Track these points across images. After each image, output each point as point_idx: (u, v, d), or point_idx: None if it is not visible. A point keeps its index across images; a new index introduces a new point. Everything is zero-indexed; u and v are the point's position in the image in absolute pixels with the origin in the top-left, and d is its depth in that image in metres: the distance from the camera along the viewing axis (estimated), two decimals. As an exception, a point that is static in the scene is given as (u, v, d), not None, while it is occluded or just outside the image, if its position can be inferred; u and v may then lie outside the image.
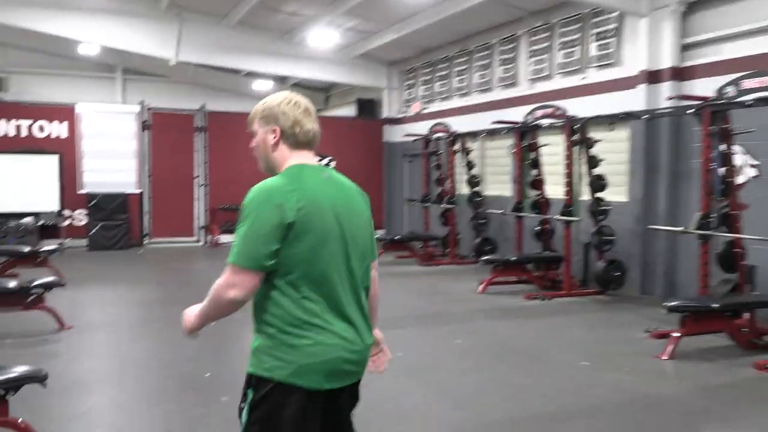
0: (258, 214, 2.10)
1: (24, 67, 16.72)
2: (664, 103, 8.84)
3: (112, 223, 13.95)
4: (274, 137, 2.29)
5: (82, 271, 11.26)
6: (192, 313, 2.35)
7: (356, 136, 16.48)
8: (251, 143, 2.37)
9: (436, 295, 9.20)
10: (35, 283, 6.74)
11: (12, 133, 13.70)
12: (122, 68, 17.98)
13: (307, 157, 2.32)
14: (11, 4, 13.11)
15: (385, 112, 16.61)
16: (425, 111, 15.16)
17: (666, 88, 8.91)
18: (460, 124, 12.95)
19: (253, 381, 2.20)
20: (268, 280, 2.16)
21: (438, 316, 7.73)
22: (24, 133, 13.79)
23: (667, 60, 8.99)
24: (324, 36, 14.02)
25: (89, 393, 5.12)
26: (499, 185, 12.51)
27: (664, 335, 6.49)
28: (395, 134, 16.43)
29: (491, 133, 11.74)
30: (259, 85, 18.90)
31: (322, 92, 20.32)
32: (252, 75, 18.74)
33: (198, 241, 15.17)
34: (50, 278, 7.01)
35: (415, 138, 13.32)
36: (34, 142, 13.79)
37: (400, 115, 16.35)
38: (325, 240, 2.18)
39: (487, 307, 8.38)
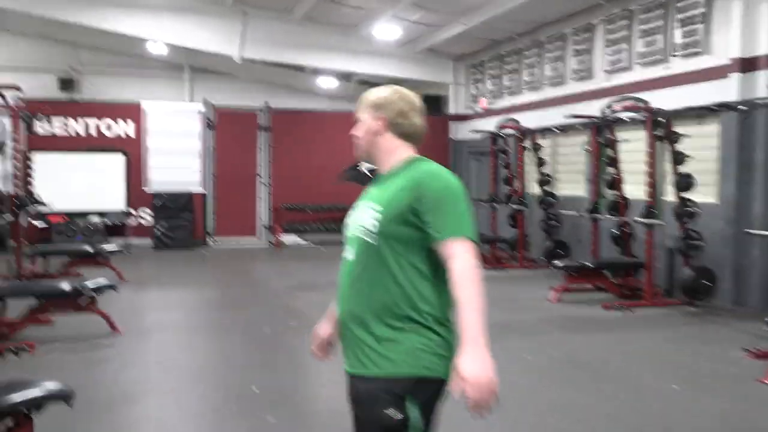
0: (463, 193, 2.11)
1: (96, 68, 16.94)
2: (760, 93, 7.96)
3: (177, 223, 13.96)
4: (380, 125, 2.26)
5: (144, 271, 11.22)
6: (477, 350, 1.96)
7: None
8: (354, 129, 2.35)
9: (503, 302, 8.61)
10: (88, 285, 6.57)
11: (81, 132, 13.87)
12: (189, 67, 18.03)
13: (415, 152, 2.30)
14: (81, 4, 13.30)
15: (452, 109, 16.04)
16: (493, 107, 14.51)
17: (763, 77, 8.02)
18: (530, 120, 12.26)
19: (409, 384, 1.98)
20: (423, 264, 2.07)
21: (506, 327, 7.16)
22: (92, 131, 13.96)
23: (764, 46, 8.10)
24: (388, 30, 13.60)
25: (132, 404, 4.84)
26: (572, 185, 11.75)
27: (767, 355, 5.73)
28: (461, 131, 15.85)
29: (564, 129, 11.02)
30: (323, 83, 18.66)
31: (387, 89, 19.89)
32: (316, 72, 18.56)
33: (261, 241, 15.01)
34: (103, 280, 6.84)
35: (483, 135, 12.71)
36: (101, 141, 13.94)
37: (467, 112, 15.75)
38: None
39: (561, 318, 7.74)
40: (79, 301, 6.53)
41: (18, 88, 7.18)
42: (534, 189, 11.90)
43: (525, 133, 11.66)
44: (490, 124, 13.62)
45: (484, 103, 14.72)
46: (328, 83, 18.57)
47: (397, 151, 2.27)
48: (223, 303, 8.58)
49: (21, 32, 16.18)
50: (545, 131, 11.52)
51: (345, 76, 19.09)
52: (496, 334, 6.95)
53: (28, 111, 11.05)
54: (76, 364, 5.63)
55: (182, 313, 7.89)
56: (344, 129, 14.81)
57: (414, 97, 2.32)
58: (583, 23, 11.55)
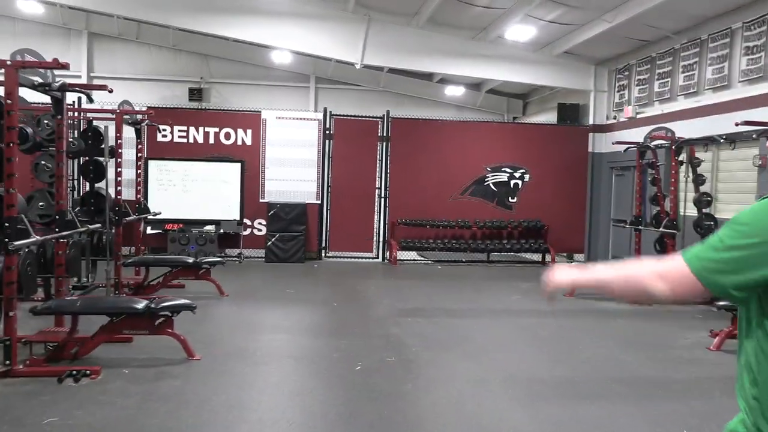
0: (755, 228, 1.47)
1: (224, 78, 17.12)
2: None
3: (290, 235, 13.40)
4: None
5: (248, 284, 10.65)
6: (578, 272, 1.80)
7: (556, 146, 14.49)
8: None
9: (649, 348, 7.06)
10: (164, 304, 5.89)
11: (200, 140, 13.71)
12: (315, 77, 17.76)
13: None
14: (210, 14, 13.23)
15: (591, 118, 14.39)
16: (640, 116, 12.76)
17: None
18: (684, 130, 10.48)
19: None
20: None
21: (654, 385, 5.67)
22: (211, 140, 13.75)
23: None
24: (521, 31, 12.32)
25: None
26: (737, 206, 9.83)
27: None
28: (602, 143, 14.18)
29: (731, 139, 9.19)
30: (451, 92, 17.65)
31: (519, 99, 18.54)
32: (443, 81, 17.58)
33: (377, 257, 14.14)
34: (181, 301, 6.13)
35: (628, 147, 11.07)
36: (220, 149, 13.69)
37: (609, 121, 14.05)
38: None
39: (726, 375, 6.09)
40: (153, 321, 5.85)
41: (110, 90, 6.69)
42: (688, 210, 10.10)
43: (681, 144, 9.88)
44: (636, 135, 11.93)
45: (629, 111, 13.00)
46: (455, 92, 17.55)
47: None
48: (320, 327, 7.70)
49: (157, 45, 16.65)
50: (706, 142, 9.70)
51: (474, 86, 17.99)
52: (643, 396, 5.45)
53: (148, 119, 10.96)
54: (131, 400, 4.89)
55: (270, 338, 7.06)
56: (471, 138, 13.68)
57: None
58: (756, 17, 9.69)
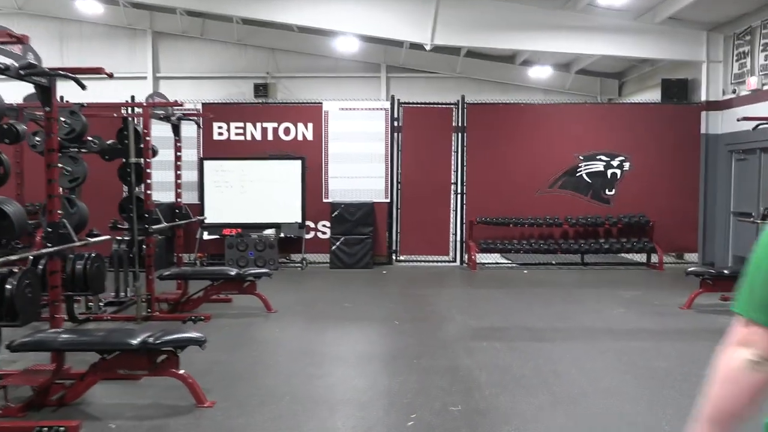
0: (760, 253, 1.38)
1: (291, 72, 16.19)
2: None
3: (356, 237, 12.09)
4: None
5: (305, 296, 9.42)
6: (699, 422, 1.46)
7: (662, 128, 12.45)
8: None
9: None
10: (165, 339, 4.65)
11: (258, 136, 12.64)
12: (386, 66, 16.47)
13: None
14: (268, 0, 12.25)
15: (704, 94, 12.25)
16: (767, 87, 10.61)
17: None
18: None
19: None
20: None
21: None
22: (269, 136, 12.64)
23: None
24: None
25: None
26: None
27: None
28: (719, 123, 12.04)
29: None
30: (536, 74, 15.86)
31: (614, 78, 16.49)
32: (527, 63, 15.82)
33: (453, 260, 12.61)
34: (187, 334, 4.87)
35: (759, 123, 9.04)
36: (279, 146, 12.57)
37: (727, 96, 11.89)
38: None
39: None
40: (153, 359, 4.65)
41: (110, 75, 5.55)
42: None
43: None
44: (764, 111, 9.85)
45: (753, 83, 10.85)
46: (540, 74, 15.76)
47: None
48: (372, 356, 6.30)
49: (222, 41, 15.96)
50: None
51: (562, 66, 16.13)
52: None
53: (197, 114, 9.96)
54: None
55: (307, 374, 5.68)
56: (559, 123, 11.70)
57: None
58: None
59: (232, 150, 12.47)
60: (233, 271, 8.05)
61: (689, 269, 8.56)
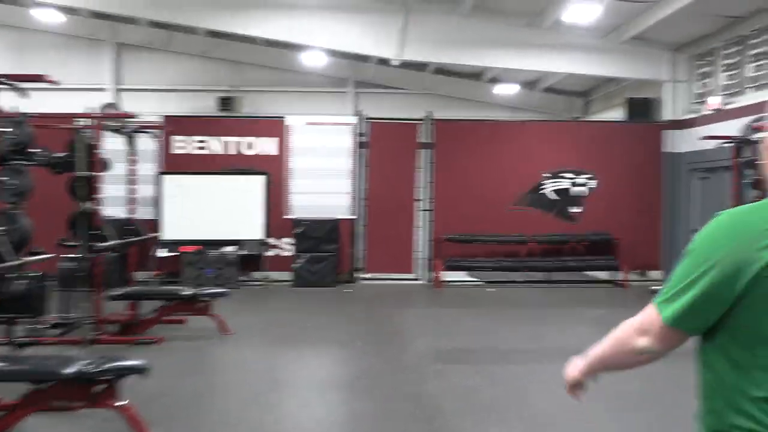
0: (704, 252, 1.49)
1: (257, 86, 15.86)
2: None
3: (320, 255, 11.79)
4: None
5: (264, 316, 9.09)
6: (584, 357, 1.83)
7: (626, 146, 12.47)
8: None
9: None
10: (104, 367, 4.30)
11: (219, 150, 12.31)
12: (354, 81, 16.28)
13: None
14: (233, 11, 12.01)
15: (667, 113, 12.32)
16: (729, 107, 10.68)
17: None
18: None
19: None
20: (718, 357, 1.52)
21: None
22: (231, 150, 12.32)
23: None
24: (583, 11, 10.39)
25: None
26: None
27: None
28: (681, 141, 12.10)
29: None
30: (503, 91, 15.82)
31: (580, 97, 16.55)
32: (495, 81, 15.79)
33: (419, 278, 12.40)
34: (127, 362, 4.51)
35: (723, 142, 9.06)
36: (241, 161, 12.25)
37: (689, 116, 11.97)
38: None
39: None
40: (89, 389, 4.30)
41: (56, 83, 5.23)
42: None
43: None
44: (723, 130, 9.89)
45: (714, 102, 10.92)
46: (507, 91, 15.72)
47: None
48: (331, 381, 6.03)
49: (187, 53, 15.59)
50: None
51: (529, 84, 16.14)
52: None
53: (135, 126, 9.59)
54: None
55: (258, 402, 5.35)
56: (526, 141, 11.52)
57: None
58: None
59: (192, 164, 12.11)
60: (187, 291, 7.69)
61: (653, 287, 8.48)
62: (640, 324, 1.59)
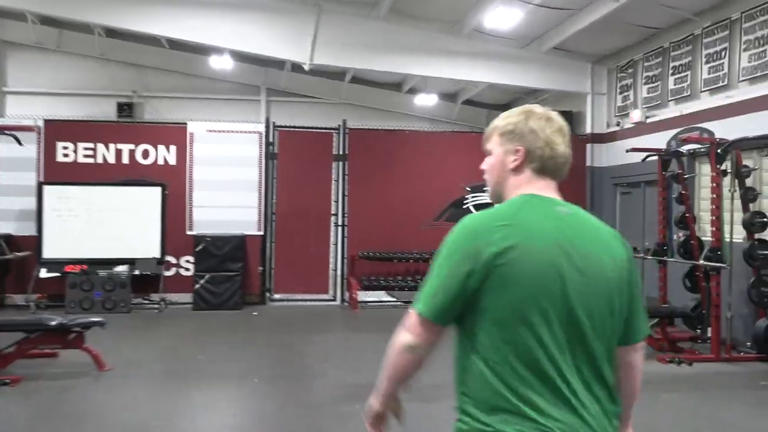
0: (448, 253, 1.75)
1: (161, 92, 14.64)
2: None
3: (224, 275, 10.76)
4: (516, 160, 1.84)
5: (152, 346, 7.99)
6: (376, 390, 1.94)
7: (548, 160, 12.05)
8: (483, 164, 1.94)
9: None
10: None
11: (112, 160, 11.11)
12: (266, 89, 15.34)
13: (546, 189, 1.86)
14: (131, 7, 10.83)
15: (589, 127, 12.03)
16: (651, 120, 10.44)
17: None
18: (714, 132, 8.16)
19: None
20: (464, 337, 1.76)
21: None
22: (125, 159, 11.14)
23: None
24: (504, 16, 9.91)
25: None
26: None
27: None
28: (603, 155, 11.83)
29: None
30: (422, 102, 15.25)
31: (500, 110, 15.98)
32: (414, 91, 15.22)
33: (333, 298, 11.55)
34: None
35: (648, 155, 8.69)
36: (137, 171, 11.09)
37: (611, 129, 11.72)
38: (536, 298, 1.67)
39: None
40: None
41: None
42: (734, 235, 7.61)
43: (728, 147, 7.37)
44: (646, 144, 9.61)
45: (636, 116, 10.67)
46: (426, 102, 15.17)
47: (517, 192, 1.83)
48: (222, 429, 5.07)
49: (81, 54, 14.23)
50: (762, 144, 7.26)
51: (449, 96, 15.68)
52: None
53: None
54: None
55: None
56: (446, 153, 10.76)
57: (561, 120, 1.92)
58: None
59: (79, 174, 10.86)
60: (54, 321, 6.50)
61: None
62: (404, 326, 1.77)
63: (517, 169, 1.82)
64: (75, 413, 5.35)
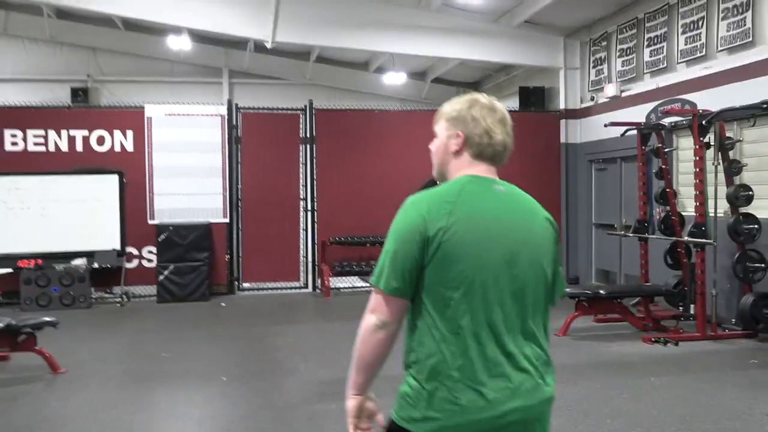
0: (399, 230, 1.89)
1: (118, 76, 14.00)
2: None
3: (189, 265, 10.28)
4: (457, 144, 2.01)
5: (112, 343, 7.51)
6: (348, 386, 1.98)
7: (521, 137, 11.18)
8: (430, 145, 2.13)
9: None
10: None
11: (64, 148, 10.49)
12: (229, 70, 14.77)
13: (486, 173, 2.00)
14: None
15: (563, 102, 11.74)
16: (626, 94, 10.18)
17: None
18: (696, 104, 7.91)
19: (392, 427, 1.89)
20: (415, 310, 1.87)
21: None
22: (79, 147, 10.55)
23: None
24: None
25: None
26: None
27: None
28: (578, 131, 11.57)
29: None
30: (390, 80, 14.81)
31: (471, 88, 15.84)
32: (381, 70, 14.77)
33: (305, 286, 11.15)
34: None
35: (627, 129, 8.42)
36: (90, 158, 10.51)
37: (585, 104, 11.45)
38: (481, 268, 1.82)
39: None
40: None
41: None
42: (717, 210, 7.37)
43: (712, 118, 7.10)
44: (622, 118, 9.33)
45: (611, 90, 10.39)
46: (395, 81, 14.74)
47: (459, 173, 2.00)
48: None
49: (31, 38, 13.51)
50: (753, 113, 6.97)
51: (418, 74, 15.27)
52: None
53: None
54: None
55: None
56: (417, 133, 10.11)
57: (504, 110, 2.03)
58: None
59: (29, 163, 10.23)
60: (1, 322, 6.03)
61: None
62: (369, 309, 1.86)
63: (457, 153, 1.99)
64: (23, 422, 4.88)
